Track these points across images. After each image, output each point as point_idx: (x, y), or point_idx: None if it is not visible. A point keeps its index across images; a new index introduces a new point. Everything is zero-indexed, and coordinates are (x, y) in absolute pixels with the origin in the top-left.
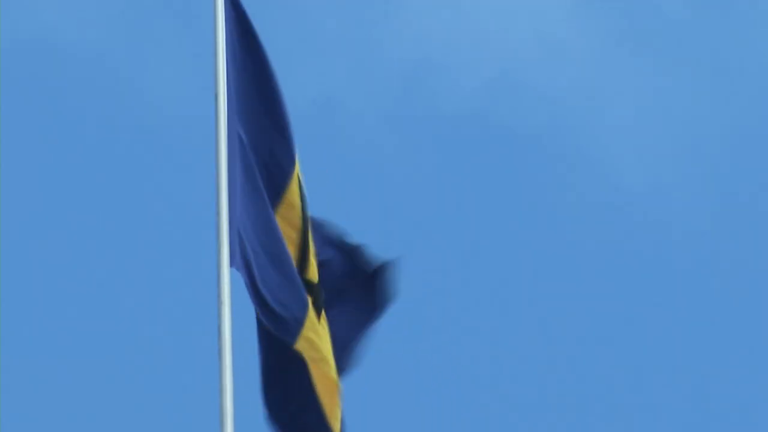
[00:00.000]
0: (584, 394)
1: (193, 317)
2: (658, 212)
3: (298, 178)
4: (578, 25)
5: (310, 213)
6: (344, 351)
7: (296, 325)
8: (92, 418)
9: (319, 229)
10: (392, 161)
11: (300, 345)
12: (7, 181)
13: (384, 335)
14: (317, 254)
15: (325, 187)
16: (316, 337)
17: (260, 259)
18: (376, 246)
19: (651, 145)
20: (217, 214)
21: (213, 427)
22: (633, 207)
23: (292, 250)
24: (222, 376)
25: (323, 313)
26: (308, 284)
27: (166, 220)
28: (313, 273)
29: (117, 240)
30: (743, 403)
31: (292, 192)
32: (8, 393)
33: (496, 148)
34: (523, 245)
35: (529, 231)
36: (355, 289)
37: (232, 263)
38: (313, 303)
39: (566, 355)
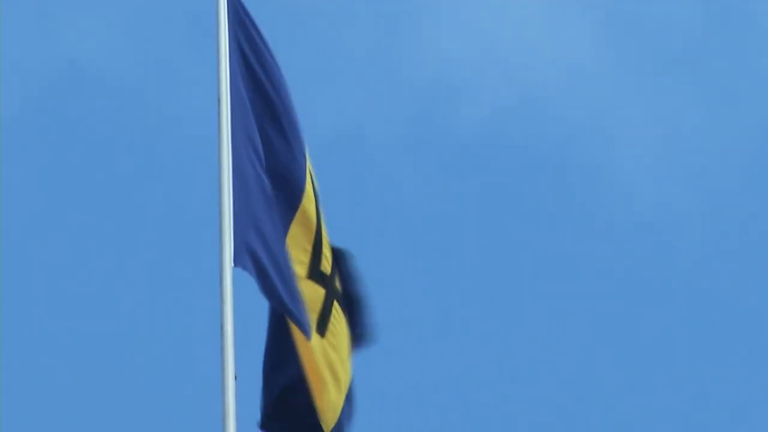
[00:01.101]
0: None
1: (195, 316)
2: (674, 236)
3: (311, 178)
4: (596, 49)
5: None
6: None
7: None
8: (94, 416)
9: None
10: (412, 188)
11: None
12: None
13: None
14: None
15: (346, 216)
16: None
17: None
18: (398, 270)
19: (667, 170)
20: (220, 213)
21: (215, 426)
22: (648, 231)
23: (303, 256)
24: (224, 374)
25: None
26: (322, 275)
27: (169, 219)
28: (326, 265)
29: (120, 240)
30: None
31: (308, 195)
32: (9, 392)
33: (514, 173)
34: (541, 269)
35: (547, 254)
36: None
37: (236, 263)
38: (326, 295)
39: (580, 379)
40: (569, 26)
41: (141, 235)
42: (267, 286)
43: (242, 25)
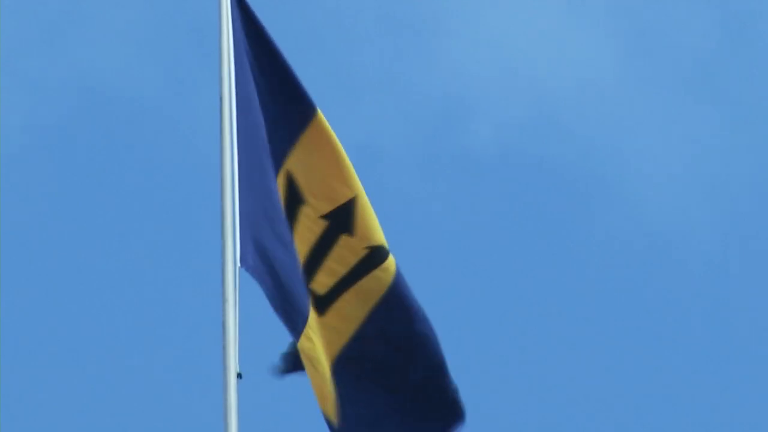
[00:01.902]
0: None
1: (198, 314)
2: (687, 251)
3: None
4: (611, 64)
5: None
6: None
7: (302, 324)
8: (96, 415)
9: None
10: (426, 202)
11: (302, 344)
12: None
13: None
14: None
15: None
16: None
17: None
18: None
19: (681, 186)
20: (222, 213)
21: (217, 424)
22: (662, 246)
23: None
24: (227, 372)
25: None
26: (311, 293)
27: (172, 219)
28: (320, 286)
29: (124, 239)
30: None
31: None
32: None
33: (529, 187)
34: (555, 282)
35: (561, 268)
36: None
37: (242, 263)
38: (316, 310)
39: (588, 388)
40: (584, 41)
41: (145, 235)
42: (269, 287)
43: (246, 24)
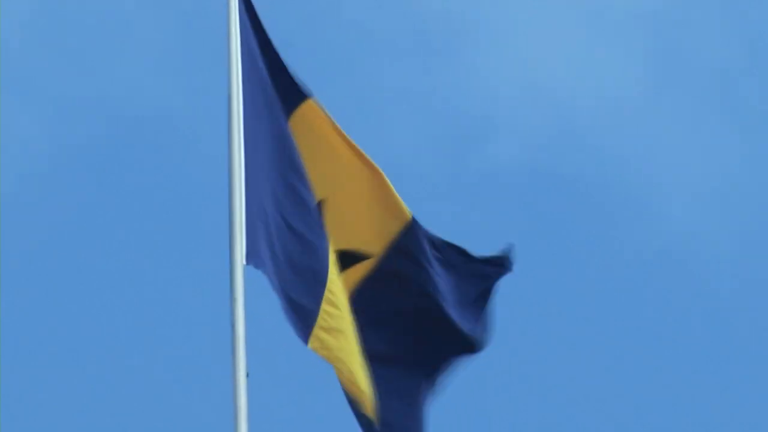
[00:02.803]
0: None
1: (206, 314)
2: (711, 270)
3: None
4: (637, 81)
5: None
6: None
7: (311, 322)
8: (105, 415)
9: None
10: (451, 219)
11: (312, 344)
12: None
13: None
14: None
15: None
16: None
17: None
18: None
19: (707, 204)
20: (230, 210)
21: (227, 424)
22: (686, 264)
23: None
24: (236, 372)
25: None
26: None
27: (180, 216)
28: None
29: (131, 238)
30: None
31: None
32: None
33: (554, 205)
34: (580, 298)
35: (586, 286)
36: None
37: (248, 260)
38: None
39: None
40: (609, 58)
41: (152, 234)
42: (277, 284)
43: (253, 29)
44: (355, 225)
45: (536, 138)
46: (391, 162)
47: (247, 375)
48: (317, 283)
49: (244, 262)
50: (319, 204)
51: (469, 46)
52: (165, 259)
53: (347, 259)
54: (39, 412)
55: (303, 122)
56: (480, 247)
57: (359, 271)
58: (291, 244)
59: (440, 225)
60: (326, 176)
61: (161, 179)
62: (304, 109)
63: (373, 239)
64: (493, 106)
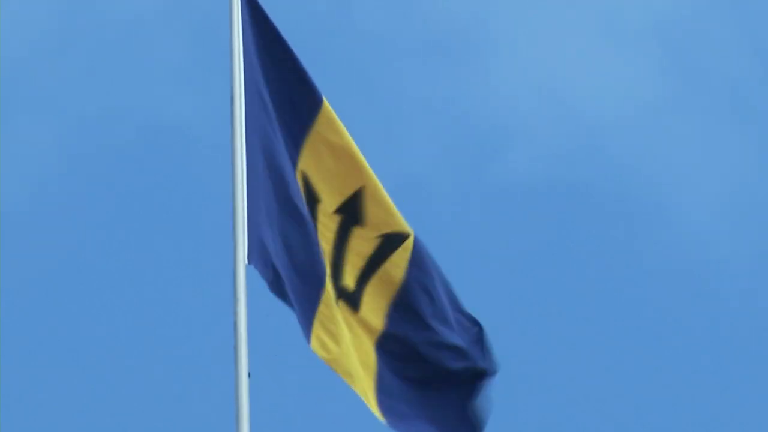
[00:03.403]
0: None
1: (209, 314)
2: (733, 277)
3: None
4: (657, 92)
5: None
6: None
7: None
8: (107, 415)
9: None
10: (470, 230)
11: (313, 344)
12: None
13: None
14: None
15: None
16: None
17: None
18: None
19: (724, 213)
20: (233, 211)
21: (229, 424)
22: (705, 277)
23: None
24: (238, 372)
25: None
26: (343, 290)
27: (183, 217)
28: (350, 279)
29: (133, 238)
30: None
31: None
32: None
33: (572, 216)
34: (598, 310)
35: (604, 297)
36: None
37: (250, 260)
38: (350, 307)
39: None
40: (626, 70)
41: (155, 235)
42: (277, 285)
43: (255, 23)
44: (390, 209)
45: (553, 148)
46: (408, 172)
47: (249, 375)
48: (316, 284)
49: (247, 262)
50: (359, 192)
51: (485, 55)
52: (168, 259)
53: (395, 240)
54: (39, 412)
55: (327, 122)
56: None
57: (407, 250)
58: (292, 244)
59: (458, 235)
60: (359, 167)
61: (164, 180)
62: (325, 110)
63: (403, 222)
64: (509, 115)
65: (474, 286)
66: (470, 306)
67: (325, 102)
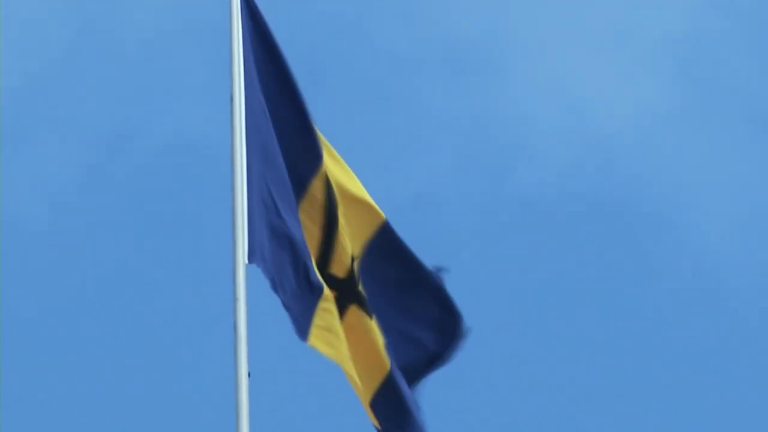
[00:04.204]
0: None
1: (208, 313)
2: (750, 292)
3: (326, 176)
4: (670, 108)
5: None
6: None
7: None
8: (107, 414)
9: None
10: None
11: (311, 341)
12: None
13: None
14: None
15: None
16: (330, 335)
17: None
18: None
19: (742, 227)
20: (233, 211)
21: (228, 423)
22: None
23: (310, 244)
24: (238, 371)
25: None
26: (332, 278)
27: (183, 217)
28: (340, 268)
29: (134, 238)
30: None
31: (316, 188)
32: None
33: (590, 230)
34: (616, 324)
35: (623, 311)
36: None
37: (250, 259)
38: (337, 298)
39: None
40: (644, 83)
41: (155, 234)
42: (278, 284)
43: (254, 27)
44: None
45: (569, 160)
46: (424, 188)
47: (249, 374)
48: (314, 282)
49: (247, 261)
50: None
51: (501, 70)
52: (168, 259)
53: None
54: (39, 412)
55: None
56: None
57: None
58: (291, 243)
59: (475, 249)
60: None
61: (165, 181)
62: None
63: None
64: (525, 129)
65: (491, 299)
66: (485, 317)
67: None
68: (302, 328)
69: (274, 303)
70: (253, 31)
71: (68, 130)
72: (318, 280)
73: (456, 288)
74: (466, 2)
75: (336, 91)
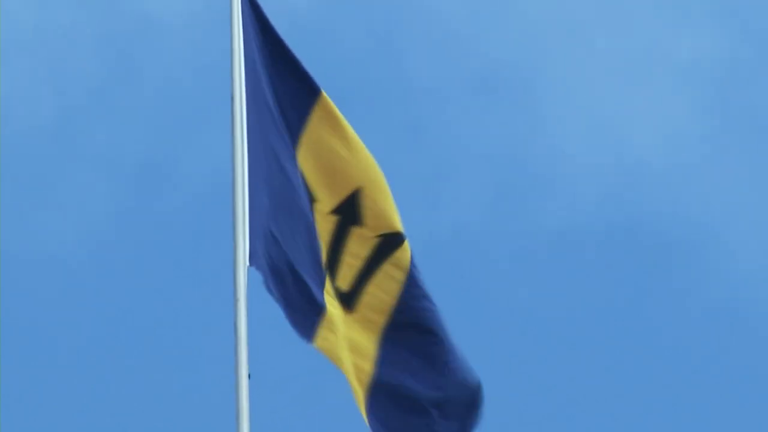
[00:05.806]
0: None
1: (208, 315)
2: None
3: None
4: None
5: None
6: None
7: (312, 327)
8: (107, 415)
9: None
10: (522, 279)
11: (318, 343)
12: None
13: None
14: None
15: (465, 314)
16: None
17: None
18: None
19: None
20: (233, 212)
21: (229, 425)
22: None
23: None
24: (238, 372)
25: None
26: (337, 291)
27: (183, 218)
28: (344, 281)
29: (134, 238)
30: None
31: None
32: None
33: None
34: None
35: (662, 341)
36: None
37: (251, 262)
38: (344, 307)
39: None
40: (676, 111)
41: (155, 234)
42: (275, 288)
43: (255, 27)
44: (391, 208)
45: (603, 192)
46: (461, 220)
47: (249, 376)
48: (319, 282)
49: (247, 263)
50: (358, 191)
51: (533, 100)
52: (168, 260)
53: (394, 240)
54: (39, 412)
55: (324, 115)
56: (549, 302)
57: (407, 250)
58: (298, 245)
59: (511, 282)
60: (358, 165)
61: (166, 182)
62: (322, 102)
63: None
64: (559, 161)
65: (527, 329)
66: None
67: (324, 97)
68: (308, 330)
69: (274, 304)
70: (254, 28)
71: (104, 163)
72: (322, 296)
73: (491, 320)
74: (498, 32)
75: (367, 122)
